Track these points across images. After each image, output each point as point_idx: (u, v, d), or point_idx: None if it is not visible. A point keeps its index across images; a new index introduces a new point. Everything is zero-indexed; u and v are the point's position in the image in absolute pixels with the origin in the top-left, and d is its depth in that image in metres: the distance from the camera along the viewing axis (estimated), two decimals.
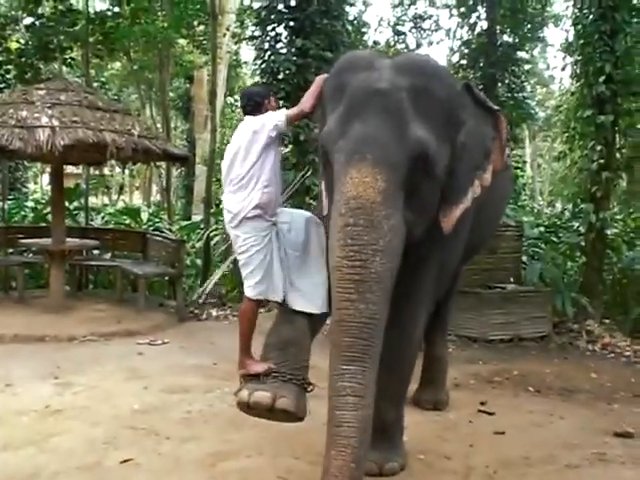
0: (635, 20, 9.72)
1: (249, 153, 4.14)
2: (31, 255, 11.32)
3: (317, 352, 4.34)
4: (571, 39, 10.55)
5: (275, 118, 4.20)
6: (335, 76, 4.03)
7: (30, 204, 14.48)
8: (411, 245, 3.79)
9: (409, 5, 20.62)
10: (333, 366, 3.43)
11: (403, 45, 18.40)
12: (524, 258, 10.01)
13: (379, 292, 3.41)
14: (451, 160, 3.86)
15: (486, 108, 4.09)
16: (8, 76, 14.24)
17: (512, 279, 9.53)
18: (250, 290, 4.16)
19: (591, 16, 9.70)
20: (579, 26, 10.10)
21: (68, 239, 9.74)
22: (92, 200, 19.76)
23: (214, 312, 9.98)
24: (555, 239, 10.99)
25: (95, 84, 19.08)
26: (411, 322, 4.37)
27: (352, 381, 3.34)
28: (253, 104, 4.42)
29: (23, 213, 13.32)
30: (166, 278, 11.20)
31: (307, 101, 4.22)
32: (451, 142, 3.86)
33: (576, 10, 10.44)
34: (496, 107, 4.16)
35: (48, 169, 11.04)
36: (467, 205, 3.95)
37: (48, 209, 11.54)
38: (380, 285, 3.42)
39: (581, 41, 9.95)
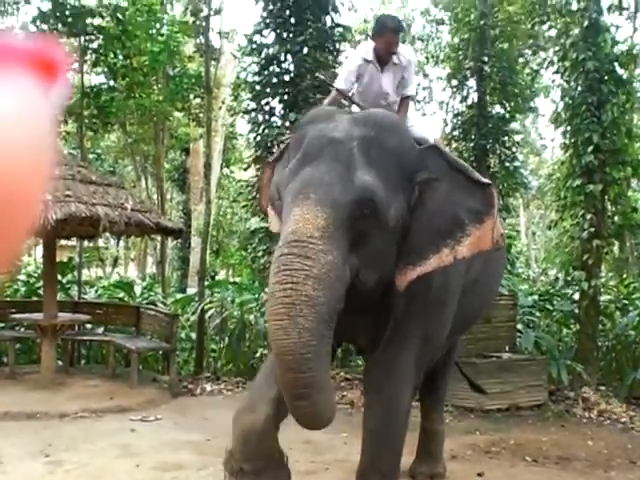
0: (620, 91, 9.90)
1: None
2: (23, 330, 11.24)
3: None
4: (560, 110, 10.71)
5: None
6: (298, 129, 4.15)
7: (22, 277, 14.47)
8: (386, 318, 3.92)
9: None
10: (285, 397, 3.53)
11: None
12: (519, 326, 10.00)
13: (311, 316, 3.34)
14: (408, 217, 3.84)
15: (473, 181, 3.94)
16: None
17: (507, 348, 9.52)
18: None
19: (578, 88, 9.89)
20: (567, 98, 10.29)
21: (60, 313, 9.67)
22: (86, 273, 19.69)
23: (208, 387, 9.85)
24: (549, 307, 11.00)
25: (90, 156, 19.22)
26: (395, 398, 4.30)
27: (305, 410, 3.48)
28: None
29: (15, 287, 13.28)
30: (160, 352, 11.13)
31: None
32: (406, 197, 3.83)
33: (564, 82, 10.66)
34: (486, 181, 4.04)
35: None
36: (427, 270, 3.84)
37: (40, 283, 11.51)
38: (312, 309, 3.35)
39: (569, 112, 10.12)
